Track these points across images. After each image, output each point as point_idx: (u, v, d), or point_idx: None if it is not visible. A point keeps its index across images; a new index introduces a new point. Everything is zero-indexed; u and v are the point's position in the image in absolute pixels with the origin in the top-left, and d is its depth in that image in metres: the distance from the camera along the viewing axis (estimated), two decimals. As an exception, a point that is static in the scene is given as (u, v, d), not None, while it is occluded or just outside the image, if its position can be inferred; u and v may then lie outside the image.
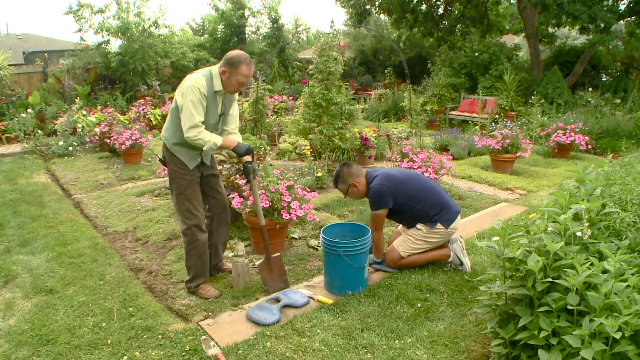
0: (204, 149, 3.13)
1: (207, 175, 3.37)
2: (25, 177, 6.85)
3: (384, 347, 2.62)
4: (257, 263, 3.40)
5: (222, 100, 3.21)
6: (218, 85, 3.09)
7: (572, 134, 7.58)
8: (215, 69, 3.11)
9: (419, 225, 3.49)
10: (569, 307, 1.94)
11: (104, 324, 2.93)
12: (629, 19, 12.13)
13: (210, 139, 3.06)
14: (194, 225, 3.23)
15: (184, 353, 2.61)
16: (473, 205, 5.25)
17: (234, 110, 3.38)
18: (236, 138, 3.36)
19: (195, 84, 2.99)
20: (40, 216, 5.06)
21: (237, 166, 4.69)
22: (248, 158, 3.32)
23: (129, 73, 12.90)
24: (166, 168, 3.31)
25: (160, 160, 3.35)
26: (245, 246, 4.03)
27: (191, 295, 3.32)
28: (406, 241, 3.50)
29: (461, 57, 13.04)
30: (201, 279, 3.35)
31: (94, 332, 2.84)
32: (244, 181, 4.26)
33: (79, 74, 12.64)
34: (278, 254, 3.45)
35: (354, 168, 3.50)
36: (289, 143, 7.92)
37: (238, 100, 3.66)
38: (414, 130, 8.70)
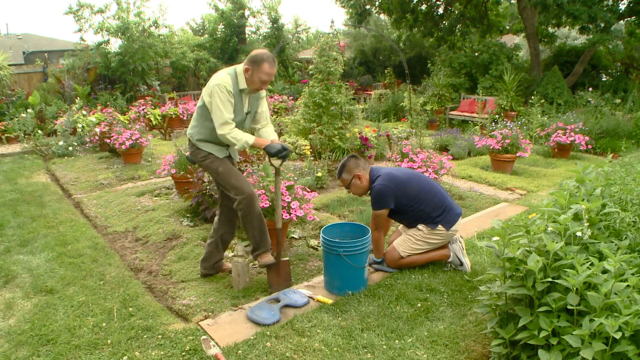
0: (235, 147, 3.17)
1: None
2: (25, 177, 6.85)
3: (384, 347, 2.62)
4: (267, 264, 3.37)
5: (248, 99, 3.24)
6: (243, 84, 3.13)
7: (572, 134, 7.58)
8: (240, 67, 3.15)
9: (420, 226, 3.49)
10: (569, 307, 1.94)
11: (104, 324, 2.93)
12: (629, 19, 12.13)
13: (243, 137, 3.09)
14: (244, 198, 3.18)
15: (184, 353, 2.61)
16: (473, 205, 5.25)
17: (263, 108, 3.40)
18: (269, 135, 3.34)
19: (221, 82, 3.05)
20: (40, 216, 5.06)
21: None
22: (279, 160, 3.28)
23: (129, 73, 12.91)
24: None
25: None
26: (245, 246, 4.03)
27: (191, 295, 3.32)
28: (406, 241, 3.50)
29: (461, 57, 13.04)
30: (261, 249, 3.33)
31: (94, 332, 2.84)
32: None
33: (79, 74, 12.64)
34: (287, 258, 3.46)
35: (362, 161, 3.51)
36: (289, 143, 7.91)
37: None
38: (414, 130, 8.71)
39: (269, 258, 3.33)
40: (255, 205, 3.23)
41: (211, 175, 3.36)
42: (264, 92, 3.37)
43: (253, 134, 3.38)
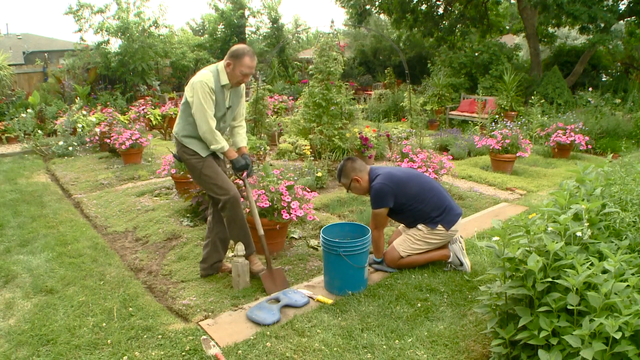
0: (211, 147, 3.28)
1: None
2: (25, 177, 6.85)
3: (384, 347, 2.62)
4: (260, 273, 3.39)
5: (229, 95, 3.34)
6: (224, 80, 3.23)
7: (572, 134, 7.58)
8: (221, 64, 3.26)
9: (420, 226, 3.49)
10: (569, 307, 1.94)
11: (104, 324, 2.93)
12: (629, 19, 12.13)
13: (221, 142, 3.25)
14: (228, 198, 3.29)
15: (184, 353, 2.61)
16: (473, 205, 5.25)
17: (242, 108, 3.54)
18: (240, 142, 3.53)
19: (202, 79, 3.15)
20: (40, 216, 5.06)
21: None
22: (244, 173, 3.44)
23: (129, 73, 12.91)
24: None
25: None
26: (245, 246, 4.03)
27: (191, 295, 3.32)
28: (406, 241, 3.50)
29: (461, 57, 13.04)
30: (246, 252, 3.41)
31: (94, 332, 2.84)
32: (241, 182, 4.26)
33: (79, 74, 12.65)
34: (280, 267, 3.52)
35: (358, 163, 3.51)
36: (289, 143, 7.92)
37: None
38: (414, 130, 8.70)
39: (259, 266, 3.46)
40: (240, 206, 3.36)
41: (194, 175, 3.43)
42: (243, 90, 3.49)
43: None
